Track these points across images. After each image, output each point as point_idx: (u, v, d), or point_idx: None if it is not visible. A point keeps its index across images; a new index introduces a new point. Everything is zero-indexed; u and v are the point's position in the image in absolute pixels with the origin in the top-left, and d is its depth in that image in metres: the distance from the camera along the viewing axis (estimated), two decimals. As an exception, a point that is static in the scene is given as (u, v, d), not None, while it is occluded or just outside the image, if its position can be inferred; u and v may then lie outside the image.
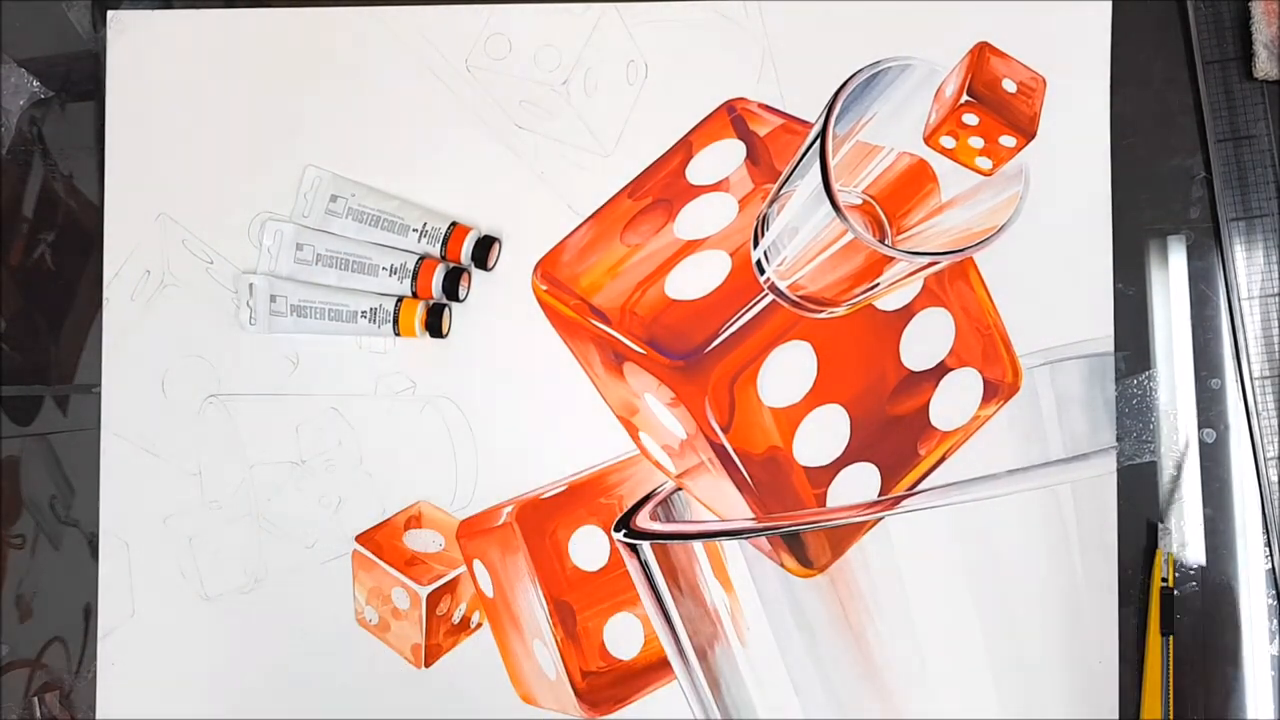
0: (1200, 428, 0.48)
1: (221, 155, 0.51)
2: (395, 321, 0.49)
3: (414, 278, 0.49)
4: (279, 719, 0.50)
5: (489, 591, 0.49)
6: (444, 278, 0.49)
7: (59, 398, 0.51)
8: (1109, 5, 0.49)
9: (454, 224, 0.49)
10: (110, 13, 0.51)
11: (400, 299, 0.49)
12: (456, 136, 0.50)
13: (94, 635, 0.51)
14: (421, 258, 0.49)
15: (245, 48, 0.51)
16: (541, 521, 0.49)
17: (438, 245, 0.49)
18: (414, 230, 0.49)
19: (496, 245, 0.50)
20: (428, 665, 0.50)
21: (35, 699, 0.51)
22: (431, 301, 0.49)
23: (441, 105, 0.50)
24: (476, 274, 0.50)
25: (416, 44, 0.51)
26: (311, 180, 0.50)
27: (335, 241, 0.50)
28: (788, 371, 0.46)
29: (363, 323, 0.49)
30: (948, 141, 0.46)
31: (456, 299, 0.49)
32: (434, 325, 0.49)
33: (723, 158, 0.49)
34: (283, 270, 0.50)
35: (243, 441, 0.50)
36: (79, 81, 0.52)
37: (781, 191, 0.47)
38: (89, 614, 0.51)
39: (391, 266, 0.49)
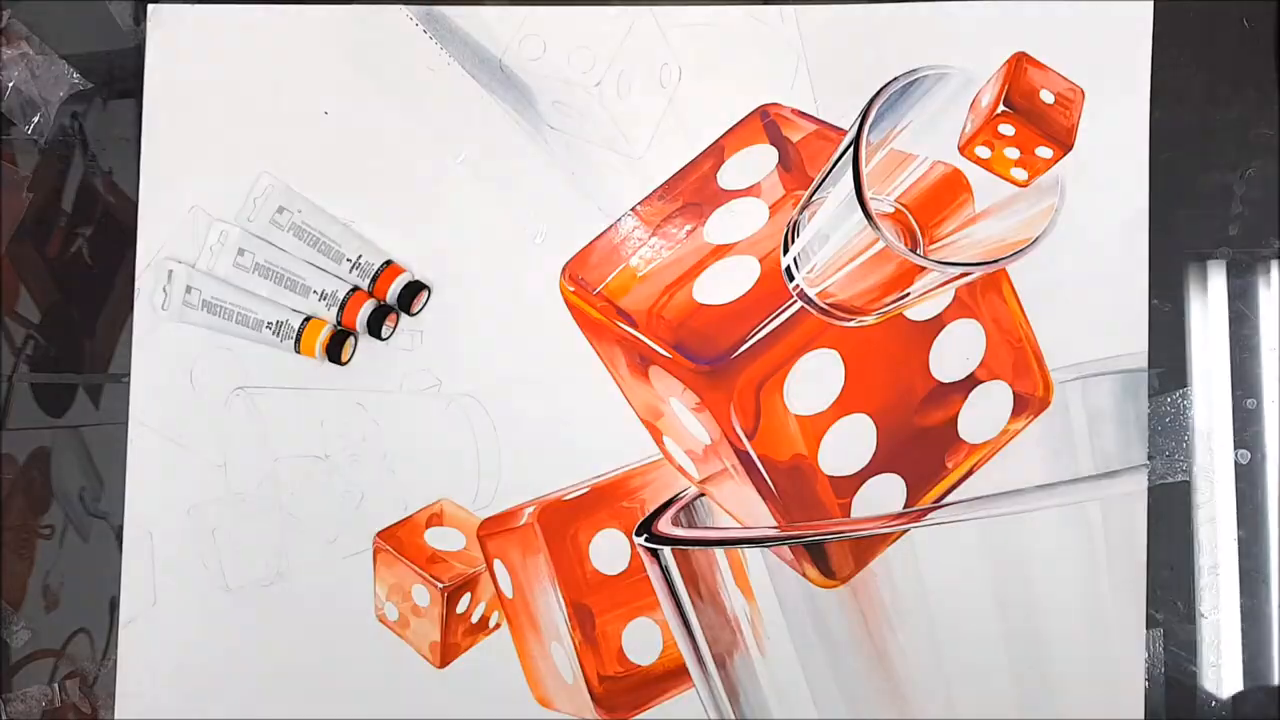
0: (1235, 448, 0.47)
1: (256, 149, 0.51)
2: (298, 340, 0.49)
3: (341, 307, 0.49)
4: (295, 713, 0.50)
5: (508, 592, 0.49)
6: (370, 314, 0.49)
7: (91, 388, 0.52)
8: (1150, 16, 0.48)
9: (388, 262, 0.50)
10: (150, 6, 0.52)
11: (308, 318, 0.49)
12: (489, 135, 0.50)
13: (118, 626, 0.51)
14: (354, 289, 0.50)
15: (283, 42, 0.52)
16: (563, 523, 0.48)
17: (367, 280, 0.50)
18: (348, 260, 0.50)
19: (425, 293, 0.50)
20: (445, 664, 0.50)
21: (56, 686, 0.51)
22: (339, 328, 0.49)
23: (475, 104, 0.51)
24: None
25: (451, 43, 0.51)
26: (263, 187, 0.51)
27: (276, 254, 0.50)
28: (815, 379, 0.46)
29: (267, 334, 0.49)
30: (983, 151, 0.45)
31: (379, 337, 0.50)
32: (334, 352, 0.49)
33: (754, 163, 0.49)
34: (220, 271, 0.50)
35: (268, 434, 0.51)
36: (122, 79, 0.52)
37: (813, 198, 0.46)
38: (115, 607, 0.51)
39: (323, 292, 0.50)
